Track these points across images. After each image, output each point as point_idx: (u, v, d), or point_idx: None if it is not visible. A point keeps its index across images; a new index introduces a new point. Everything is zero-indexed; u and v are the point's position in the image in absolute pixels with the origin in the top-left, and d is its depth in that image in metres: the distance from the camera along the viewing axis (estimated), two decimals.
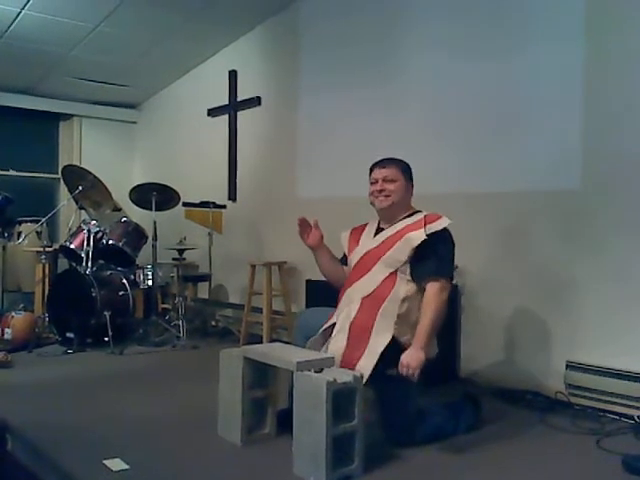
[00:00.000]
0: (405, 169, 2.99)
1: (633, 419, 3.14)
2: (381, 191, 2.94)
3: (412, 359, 2.62)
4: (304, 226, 3.09)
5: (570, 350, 3.49)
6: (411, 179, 3.01)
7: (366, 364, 2.67)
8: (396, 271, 2.81)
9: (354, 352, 2.70)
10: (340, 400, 2.44)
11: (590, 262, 3.45)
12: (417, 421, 2.84)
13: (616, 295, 3.35)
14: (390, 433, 2.81)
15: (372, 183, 3.00)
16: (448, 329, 3.24)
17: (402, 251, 2.80)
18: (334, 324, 2.86)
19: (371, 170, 3.04)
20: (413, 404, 2.84)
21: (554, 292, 3.61)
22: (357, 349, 2.71)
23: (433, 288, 2.75)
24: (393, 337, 2.73)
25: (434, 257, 2.77)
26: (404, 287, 2.80)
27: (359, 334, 2.74)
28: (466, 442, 2.88)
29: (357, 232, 3.12)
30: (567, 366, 3.46)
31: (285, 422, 2.74)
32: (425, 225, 2.80)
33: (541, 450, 2.84)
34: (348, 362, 2.69)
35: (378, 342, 2.72)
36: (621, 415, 3.21)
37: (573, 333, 3.51)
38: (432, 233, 2.78)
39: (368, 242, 2.99)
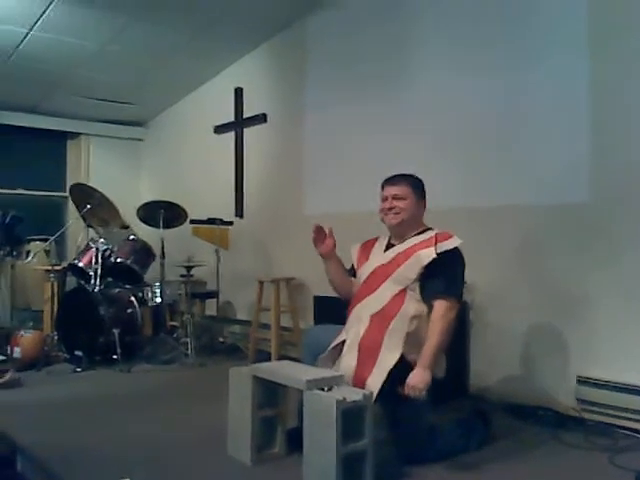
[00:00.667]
0: (416, 186, 2.96)
1: None
2: (391, 209, 2.92)
3: (418, 380, 2.61)
4: (319, 233, 3.07)
5: (582, 365, 3.46)
6: (423, 196, 2.98)
7: (374, 381, 2.65)
8: (405, 289, 2.80)
9: (364, 370, 2.69)
10: (350, 419, 2.43)
11: (601, 276, 3.43)
12: (428, 439, 2.82)
13: (628, 310, 3.33)
14: (401, 451, 2.79)
15: (383, 200, 2.98)
16: (457, 345, 3.22)
17: (412, 269, 2.79)
18: (343, 341, 2.85)
19: (382, 187, 3.02)
20: (424, 421, 2.81)
21: (564, 307, 3.59)
22: (367, 366, 2.69)
23: (441, 307, 2.73)
24: (402, 355, 2.71)
25: (443, 276, 2.74)
26: (413, 305, 2.78)
27: (368, 351, 2.72)
28: (477, 459, 2.85)
29: (367, 246, 3.10)
30: (578, 381, 3.43)
31: (295, 441, 2.72)
32: (436, 244, 2.79)
33: (553, 467, 2.81)
34: (359, 380, 2.68)
35: (387, 359, 2.70)
36: (634, 431, 3.17)
37: (585, 348, 3.48)
38: (442, 252, 2.76)
39: (378, 257, 2.98)
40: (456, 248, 2.81)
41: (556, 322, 3.62)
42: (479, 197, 4.00)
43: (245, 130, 5.97)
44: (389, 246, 2.99)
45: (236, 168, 6.02)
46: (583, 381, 3.41)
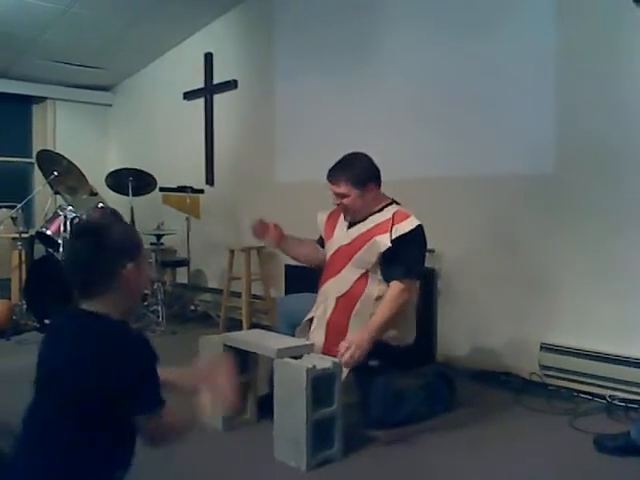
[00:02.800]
0: (356, 179, 2.84)
1: (605, 399, 3.22)
2: (339, 204, 2.92)
3: (355, 345, 2.62)
4: (260, 227, 3.04)
5: (544, 332, 3.56)
6: (368, 182, 2.87)
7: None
8: (367, 272, 2.83)
9: (333, 347, 2.73)
10: (320, 386, 2.48)
11: (562, 246, 3.52)
12: (394, 403, 2.90)
13: (590, 277, 3.43)
14: (369, 415, 2.87)
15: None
16: (425, 313, 3.29)
17: (371, 253, 2.81)
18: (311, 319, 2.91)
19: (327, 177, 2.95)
20: (391, 388, 2.89)
21: (530, 276, 3.67)
22: (335, 344, 2.73)
23: (395, 288, 2.76)
24: None
25: (399, 260, 2.76)
26: (376, 287, 2.82)
27: (336, 331, 2.78)
28: (442, 423, 2.95)
29: (333, 219, 3.08)
30: (541, 347, 3.53)
31: (266, 408, 2.78)
32: (392, 226, 2.78)
33: (515, 430, 2.91)
34: (328, 355, 2.72)
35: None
36: (594, 395, 3.29)
37: (547, 315, 3.58)
38: (398, 236, 2.77)
39: (341, 236, 2.97)
40: (414, 229, 2.80)
41: (522, 290, 3.70)
42: (450, 166, 4.03)
43: (215, 96, 5.89)
44: (352, 223, 2.97)
45: (206, 135, 5.96)
46: (546, 348, 3.51)
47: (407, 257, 2.78)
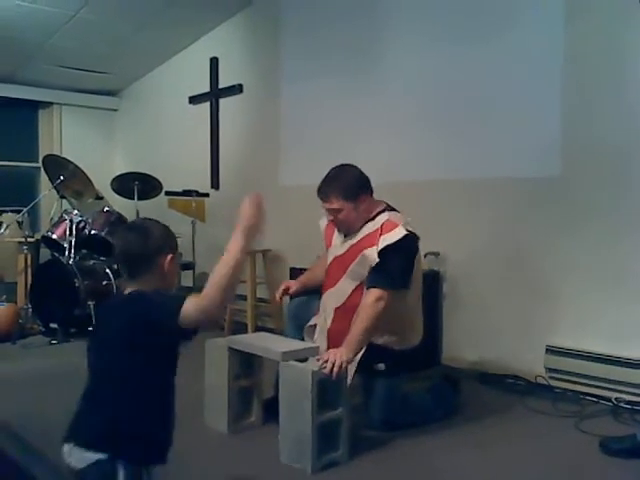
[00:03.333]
0: (347, 192, 2.80)
1: (611, 401, 3.21)
2: (332, 219, 2.90)
3: (337, 356, 2.53)
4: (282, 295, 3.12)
5: (549, 335, 3.56)
6: (360, 193, 2.82)
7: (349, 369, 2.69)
8: (362, 283, 2.81)
9: None
10: (325, 388, 2.48)
11: (568, 248, 3.51)
12: (400, 407, 2.90)
13: (593, 279, 3.42)
14: (374, 418, 2.86)
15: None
16: (430, 316, 3.28)
17: (362, 266, 2.79)
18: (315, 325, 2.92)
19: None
20: (396, 391, 2.89)
21: (535, 278, 3.67)
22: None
23: (370, 296, 2.71)
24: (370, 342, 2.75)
25: (382, 268, 2.72)
26: None
27: (337, 341, 2.73)
28: (447, 425, 2.95)
29: (331, 227, 3.04)
30: (547, 350, 3.53)
31: (271, 411, 2.78)
32: (380, 237, 2.75)
33: (521, 432, 2.91)
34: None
35: None
36: (600, 397, 3.28)
37: (553, 318, 3.57)
38: (384, 247, 2.73)
39: (338, 245, 2.96)
40: (400, 239, 2.73)
41: (527, 293, 3.70)
42: (454, 169, 4.03)
43: (221, 101, 5.91)
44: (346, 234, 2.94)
45: (211, 139, 5.98)
46: (551, 350, 3.51)
47: (389, 267, 2.72)
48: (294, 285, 3.15)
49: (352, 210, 2.82)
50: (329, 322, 2.84)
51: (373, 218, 2.86)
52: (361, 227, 2.86)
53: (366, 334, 2.69)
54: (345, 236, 2.93)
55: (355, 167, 2.90)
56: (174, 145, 6.39)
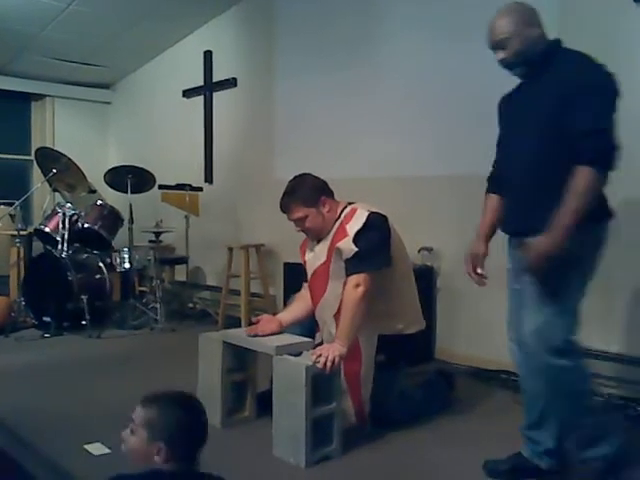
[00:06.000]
0: (306, 198, 2.83)
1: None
2: (302, 231, 2.90)
3: (330, 351, 2.55)
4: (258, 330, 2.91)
5: None
6: (317, 197, 2.84)
7: (367, 374, 2.74)
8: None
9: (347, 363, 2.67)
10: (319, 383, 2.48)
11: None
12: (398, 403, 2.89)
13: None
14: (371, 414, 2.86)
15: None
16: (424, 311, 3.28)
17: (341, 259, 2.77)
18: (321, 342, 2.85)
19: None
20: (396, 387, 2.90)
21: None
22: (350, 360, 2.69)
23: (348, 285, 2.70)
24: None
25: (355, 254, 2.71)
26: None
27: (350, 347, 2.67)
28: (441, 421, 2.95)
29: (303, 247, 3.06)
30: None
31: (265, 405, 2.78)
32: (345, 227, 2.75)
33: (515, 428, 2.90)
34: (349, 371, 2.71)
35: (367, 347, 2.77)
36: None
37: None
38: (356, 234, 2.72)
39: (313, 259, 2.94)
40: (365, 221, 2.73)
41: None
42: (449, 165, 4.02)
43: (215, 94, 5.89)
44: (318, 240, 2.93)
45: (205, 133, 5.96)
46: None
47: (361, 251, 2.70)
48: (275, 327, 2.91)
49: (316, 214, 2.83)
50: (334, 331, 2.78)
51: (339, 217, 2.87)
52: (331, 228, 2.87)
53: (354, 323, 2.68)
54: (318, 242, 2.91)
55: (308, 174, 2.94)
56: (168, 139, 6.37)
